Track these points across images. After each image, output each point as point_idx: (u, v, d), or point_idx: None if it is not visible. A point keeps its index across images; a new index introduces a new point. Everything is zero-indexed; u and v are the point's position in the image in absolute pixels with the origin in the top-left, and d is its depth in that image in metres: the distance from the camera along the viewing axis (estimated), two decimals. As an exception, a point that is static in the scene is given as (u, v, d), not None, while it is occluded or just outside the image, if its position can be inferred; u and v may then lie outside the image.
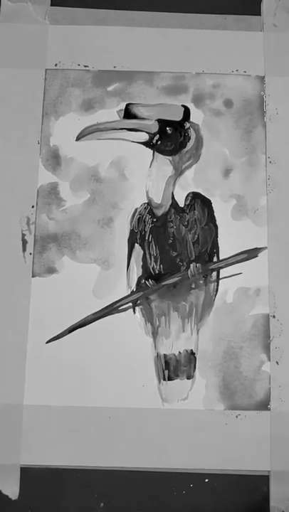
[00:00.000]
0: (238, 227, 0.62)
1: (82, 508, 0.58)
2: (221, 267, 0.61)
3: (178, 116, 0.63)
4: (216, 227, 0.62)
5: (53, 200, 0.62)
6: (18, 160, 0.62)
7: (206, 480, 0.58)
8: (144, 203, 0.62)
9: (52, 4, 0.66)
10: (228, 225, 0.62)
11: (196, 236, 0.62)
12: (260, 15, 0.66)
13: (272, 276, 0.60)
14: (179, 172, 0.62)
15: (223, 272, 0.61)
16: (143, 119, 0.62)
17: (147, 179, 0.62)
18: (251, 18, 0.66)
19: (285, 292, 0.60)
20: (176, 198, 0.62)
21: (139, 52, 0.65)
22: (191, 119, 0.63)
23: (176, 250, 0.61)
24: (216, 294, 0.60)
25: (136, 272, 0.61)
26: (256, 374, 0.59)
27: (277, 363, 0.59)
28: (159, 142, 0.62)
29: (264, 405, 0.58)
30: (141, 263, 0.61)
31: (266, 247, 0.61)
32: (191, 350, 0.60)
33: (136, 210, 0.62)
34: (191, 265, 0.61)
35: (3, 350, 0.59)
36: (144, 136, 0.62)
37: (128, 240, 0.61)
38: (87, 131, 0.63)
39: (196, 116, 0.63)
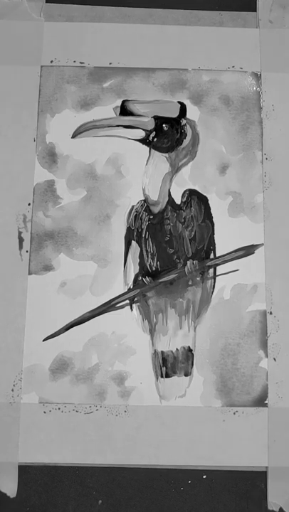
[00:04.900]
0: (234, 224, 0.62)
1: (81, 506, 0.58)
2: (218, 264, 0.61)
3: (174, 113, 0.63)
4: (213, 224, 0.62)
5: (50, 198, 0.62)
6: (14, 157, 0.62)
7: (204, 476, 0.58)
8: (141, 200, 0.62)
9: (47, 1, 0.66)
10: (225, 222, 0.62)
11: (193, 233, 0.62)
12: (255, 11, 0.66)
13: (269, 272, 0.60)
14: (175, 169, 0.62)
15: (220, 269, 0.61)
16: (139, 116, 0.62)
17: (144, 176, 0.62)
18: (247, 15, 0.66)
19: (282, 289, 0.60)
20: (172, 195, 0.62)
21: (135, 49, 0.64)
22: (187, 116, 0.63)
23: (172, 247, 0.61)
24: (213, 291, 0.60)
25: (133, 269, 0.61)
26: (254, 370, 0.59)
27: (274, 359, 0.59)
28: (155, 139, 0.62)
29: (261, 402, 0.58)
30: (138, 260, 0.61)
31: (263, 244, 0.61)
32: (189, 347, 0.60)
33: (132, 207, 0.62)
34: (188, 262, 0.61)
35: (0, 348, 0.59)
36: (140, 134, 0.62)
37: (125, 237, 0.61)
38: (83, 129, 0.63)
39: (193, 112, 0.63)
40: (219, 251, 0.61)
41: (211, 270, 0.61)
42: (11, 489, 0.57)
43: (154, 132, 0.62)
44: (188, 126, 0.63)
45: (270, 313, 0.60)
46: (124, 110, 0.63)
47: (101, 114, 0.63)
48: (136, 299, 0.60)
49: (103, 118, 0.63)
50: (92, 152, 0.63)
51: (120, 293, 0.60)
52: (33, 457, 0.57)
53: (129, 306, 0.60)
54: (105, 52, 0.64)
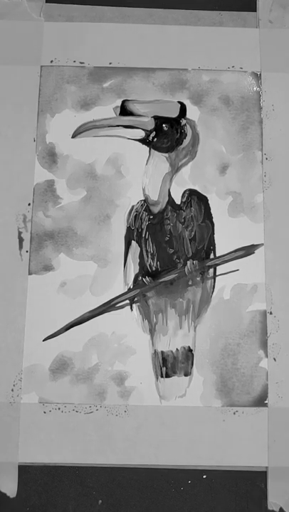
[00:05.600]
0: (234, 224, 0.62)
1: (81, 506, 0.58)
2: (218, 264, 0.61)
3: (174, 113, 0.63)
4: (213, 224, 0.62)
5: (50, 198, 0.62)
6: (14, 157, 0.62)
7: (204, 476, 0.58)
8: (141, 200, 0.62)
9: (47, 1, 0.66)
10: (225, 222, 0.62)
11: (193, 233, 0.62)
12: (255, 11, 0.66)
13: (268, 272, 0.60)
14: (175, 169, 0.62)
15: (220, 269, 0.61)
16: (139, 115, 0.62)
17: (144, 176, 0.62)
18: (247, 15, 0.66)
19: (282, 289, 0.60)
20: (172, 195, 0.62)
21: (135, 49, 0.64)
22: (187, 116, 0.63)
23: (172, 247, 0.61)
24: (213, 291, 0.60)
25: (133, 269, 0.61)
26: (254, 370, 0.59)
27: (274, 359, 0.59)
28: (155, 139, 0.62)
29: (261, 402, 0.58)
30: (138, 260, 0.61)
31: (263, 244, 0.61)
32: (189, 347, 0.60)
33: (132, 207, 0.62)
34: (188, 262, 0.61)
35: (0, 348, 0.59)
36: (140, 133, 0.62)
37: (125, 237, 0.61)
38: (83, 129, 0.63)
39: (193, 112, 0.63)
40: (219, 251, 0.61)
41: (211, 270, 0.61)
42: (11, 489, 0.57)
43: (154, 132, 0.62)
44: (188, 126, 0.63)
45: (270, 313, 0.60)
46: (124, 110, 0.63)
47: (101, 114, 0.63)
48: (136, 299, 0.60)
49: (103, 118, 0.63)
50: (92, 152, 0.63)
51: (120, 293, 0.60)
52: (33, 457, 0.57)
53: (129, 306, 0.60)
54: (105, 52, 0.64)
